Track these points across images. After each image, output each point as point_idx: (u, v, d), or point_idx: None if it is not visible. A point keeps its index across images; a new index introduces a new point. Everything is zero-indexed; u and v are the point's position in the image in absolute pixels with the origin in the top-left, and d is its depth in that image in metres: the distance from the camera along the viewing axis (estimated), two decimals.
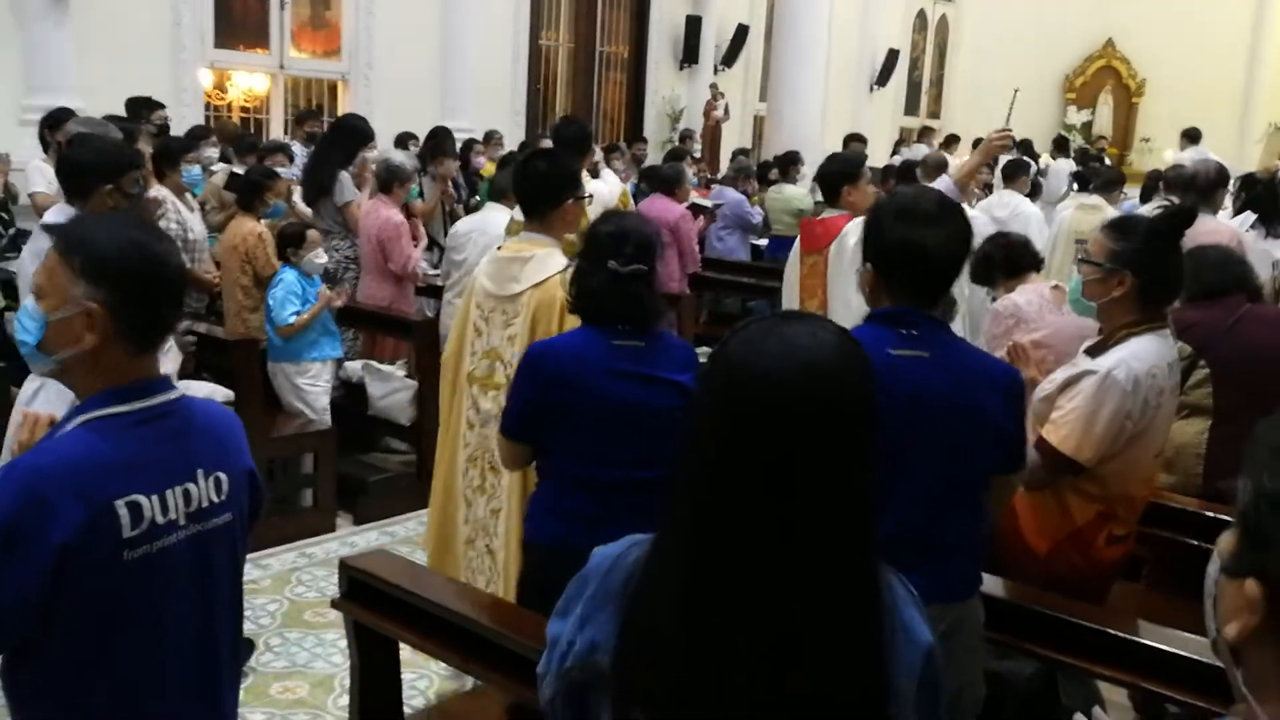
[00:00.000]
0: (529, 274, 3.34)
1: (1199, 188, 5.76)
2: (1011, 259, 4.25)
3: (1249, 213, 6.31)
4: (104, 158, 3.41)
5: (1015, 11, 19.12)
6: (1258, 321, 3.37)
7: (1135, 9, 18.62)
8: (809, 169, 10.49)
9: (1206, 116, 17.79)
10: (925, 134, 14.10)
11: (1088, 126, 19.19)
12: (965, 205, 6.16)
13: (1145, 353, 2.70)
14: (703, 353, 2.62)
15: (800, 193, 9.42)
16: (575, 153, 4.72)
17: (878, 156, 13.02)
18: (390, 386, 5.50)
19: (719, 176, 10.95)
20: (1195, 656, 2.36)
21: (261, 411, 5.02)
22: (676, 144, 12.74)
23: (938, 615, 2.21)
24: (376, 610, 2.66)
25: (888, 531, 2.19)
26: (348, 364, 6.12)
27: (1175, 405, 2.78)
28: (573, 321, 3.02)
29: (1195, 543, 3.07)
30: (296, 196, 6.72)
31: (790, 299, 4.95)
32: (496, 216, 5.58)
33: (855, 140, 11.61)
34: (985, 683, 3.02)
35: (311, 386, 5.22)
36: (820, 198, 5.20)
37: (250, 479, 1.88)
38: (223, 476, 1.79)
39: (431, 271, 6.74)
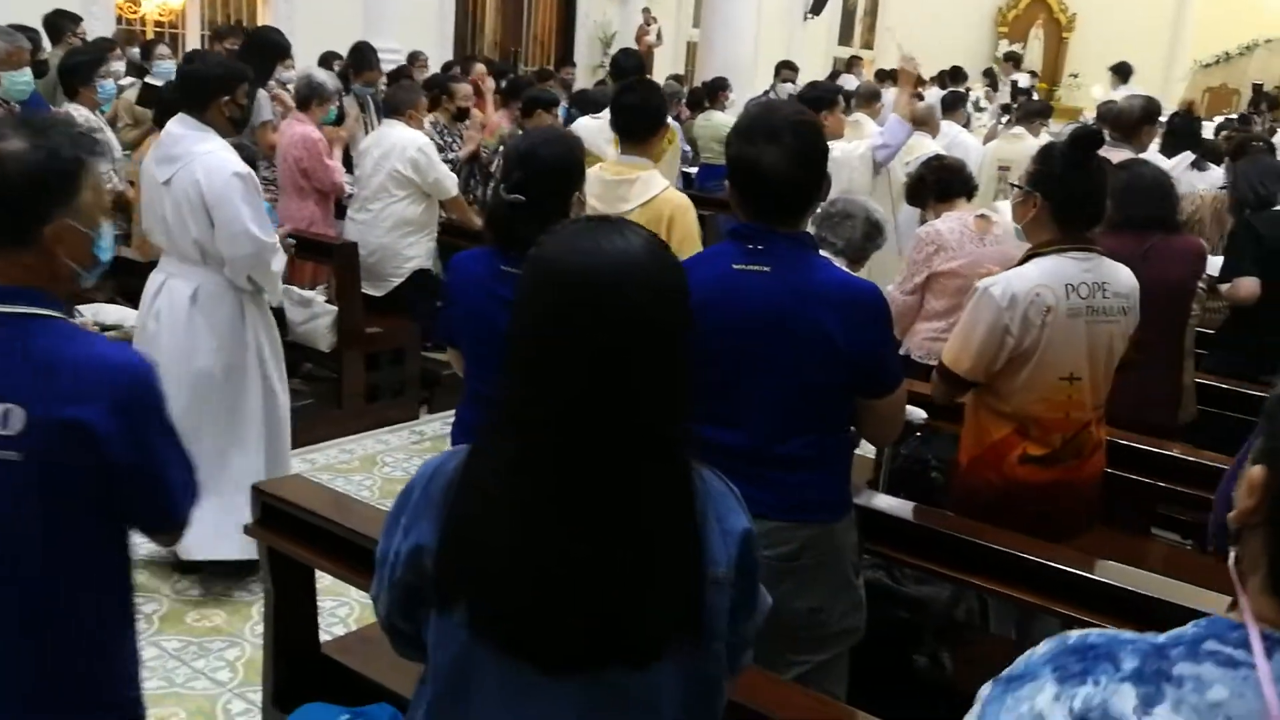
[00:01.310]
0: (636, 194, 3.68)
1: (1123, 125, 5.75)
2: (943, 183, 4.27)
3: (1187, 153, 6.29)
4: (221, 71, 3.68)
5: None
6: (1165, 252, 3.38)
7: None
8: (738, 95, 10.42)
9: (1135, 53, 17.91)
10: (854, 64, 14.02)
11: (1019, 60, 19.27)
12: (926, 137, 6.34)
13: (1036, 273, 2.75)
14: None
15: (729, 120, 9.32)
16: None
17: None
18: (310, 312, 5.39)
19: None
20: (1079, 572, 2.46)
21: None
22: (608, 69, 12.57)
23: (787, 534, 2.29)
24: (291, 536, 2.63)
25: (734, 443, 2.26)
26: None
27: (1090, 330, 2.76)
28: (679, 235, 3.52)
29: None
30: None
31: None
32: (393, 132, 5.67)
33: (786, 68, 11.54)
34: (907, 609, 3.09)
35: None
36: None
37: (79, 432, 1.64)
38: (17, 411, 1.62)
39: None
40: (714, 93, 9.66)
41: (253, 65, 6.27)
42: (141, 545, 4.05)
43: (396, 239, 5.65)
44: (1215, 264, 4.27)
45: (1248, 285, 4.10)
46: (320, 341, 5.39)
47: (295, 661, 2.79)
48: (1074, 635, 1.07)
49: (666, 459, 1.31)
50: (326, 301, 5.49)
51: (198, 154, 3.52)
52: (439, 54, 11.20)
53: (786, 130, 2.25)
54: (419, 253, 5.73)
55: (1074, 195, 2.77)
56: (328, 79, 6.38)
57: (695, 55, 14.18)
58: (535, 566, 1.28)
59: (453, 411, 5.03)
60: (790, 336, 2.23)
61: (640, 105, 3.81)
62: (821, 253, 2.45)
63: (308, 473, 4.76)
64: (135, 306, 4.99)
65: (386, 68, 8.74)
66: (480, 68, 9.71)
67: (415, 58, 9.73)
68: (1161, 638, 1.02)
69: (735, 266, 2.26)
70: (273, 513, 2.65)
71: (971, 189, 4.41)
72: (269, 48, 6.43)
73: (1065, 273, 2.74)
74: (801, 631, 2.38)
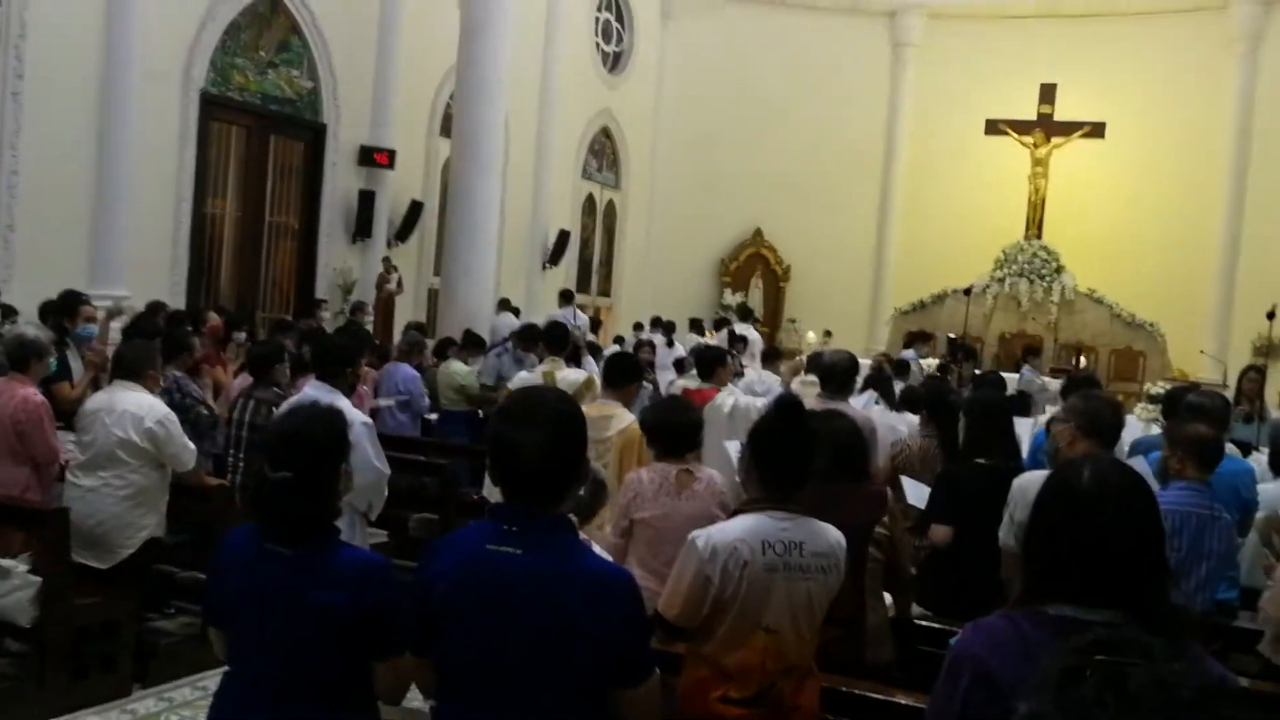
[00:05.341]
0: (614, 425, 5.31)
1: (836, 376, 6.32)
2: (675, 435, 4.27)
3: (871, 391, 7.12)
4: (349, 348, 5.26)
5: (675, 201, 20.76)
6: (845, 501, 3.53)
7: (778, 204, 20.60)
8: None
9: (843, 301, 19.85)
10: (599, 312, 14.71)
11: (742, 307, 20.71)
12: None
13: (737, 528, 2.95)
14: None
15: (465, 370, 9.62)
16: (559, 345, 7.05)
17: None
18: (10, 584, 4.96)
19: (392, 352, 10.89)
20: None
21: None
22: (349, 315, 12.64)
23: None
24: None
25: None
26: None
27: (789, 586, 2.93)
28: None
29: None
30: None
31: None
32: (128, 396, 5.35)
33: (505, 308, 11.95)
34: None
35: None
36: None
37: None
38: None
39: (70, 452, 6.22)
40: (451, 344, 9.89)
41: None
42: None
43: (129, 509, 5.29)
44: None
45: (940, 531, 4.48)
46: (20, 616, 4.94)
47: None
48: None
49: None
50: (29, 572, 5.08)
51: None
52: (172, 302, 10.92)
53: (546, 417, 2.28)
54: (151, 522, 5.38)
55: (773, 457, 2.99)
56: (39, 332, 6.13)
57: (437, 302, 14.45)
58: None
59: (171, 684, 5.32)
60: (538, 622, 2.21)
61: (620, 364, 5.67)
62: None
63: None
64: None
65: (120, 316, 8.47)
66: (214, 317, 9.50)
67: (157, 308, 9.31)
68: None
69: (489, 546, 2.27)
70: None
71: (698, 444, 4.45)
72: None
73: (763, 530, 2.93)
74: None
